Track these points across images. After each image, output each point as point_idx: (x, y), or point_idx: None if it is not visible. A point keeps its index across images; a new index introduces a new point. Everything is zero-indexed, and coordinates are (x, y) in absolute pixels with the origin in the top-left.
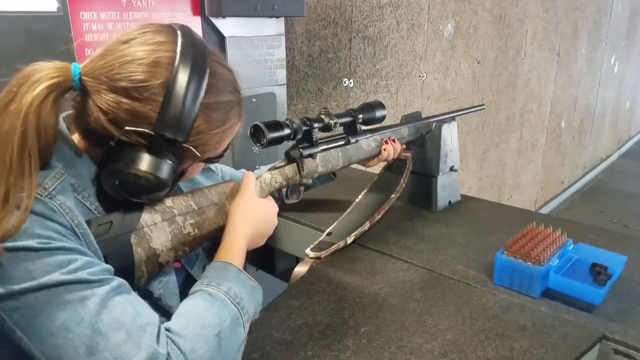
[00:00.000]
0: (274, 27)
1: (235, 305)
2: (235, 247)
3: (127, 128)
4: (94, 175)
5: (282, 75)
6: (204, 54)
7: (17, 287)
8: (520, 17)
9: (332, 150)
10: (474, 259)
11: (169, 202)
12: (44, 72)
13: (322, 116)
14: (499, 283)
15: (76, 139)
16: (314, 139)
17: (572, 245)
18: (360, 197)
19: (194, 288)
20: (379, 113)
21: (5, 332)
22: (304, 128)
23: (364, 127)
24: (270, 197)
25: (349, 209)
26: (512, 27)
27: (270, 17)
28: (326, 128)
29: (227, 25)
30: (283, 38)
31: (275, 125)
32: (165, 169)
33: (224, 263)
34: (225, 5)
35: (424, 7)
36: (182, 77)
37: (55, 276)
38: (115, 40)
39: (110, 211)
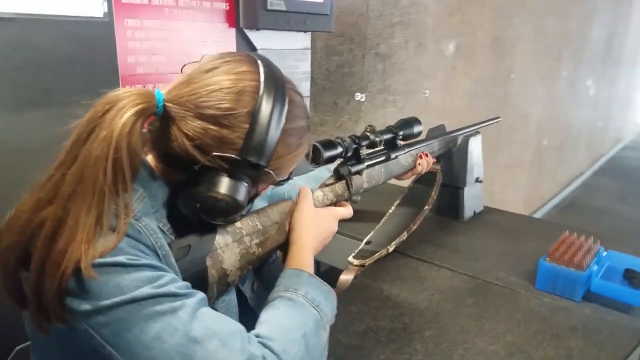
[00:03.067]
0: (302, 41)
1: (315, 308)
2: (303, 255)
3: (214, 154)
4: (167, 198)
5: (306, 87)
6: (283, 83)
7: (107, 302)
8: (513, 39)
9: (375, 166)
10: (511, 267)
11: (238, 223)
12: (129, 98)
13: (368, 133)
14: (541, 288)
15: (150, 161)
16: (361, 156)
17: (605, 252)
18: (393, 208)
19: (271, 296)
20: (416, 129)
21: (94, 348)
22: (354, 146)
23: (402, 143)
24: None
25: (383, 219)
26: (505, 49)
27: (300, 31)
28: (372, 145)
29: (260, 38)
30: (309, 52)
31: (330, 145)
32: (243, 192)
33: (295, 270)
34: (262, 19)
35: (430, 27)
36: (267, 105)
37: (146, 289)
38: (197, 69)
39: (181, 233)
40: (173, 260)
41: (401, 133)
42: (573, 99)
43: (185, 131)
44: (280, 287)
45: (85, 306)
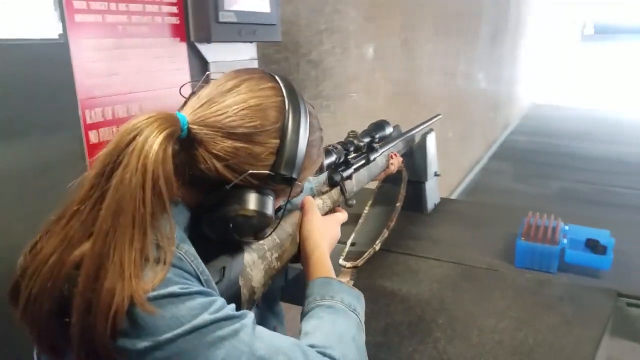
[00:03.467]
0: (249, 51)
1: (353, 312)
2: (324, 263)
3: (251, 172)
4: (187, 222)
5: None
6: (302, 96)
7: (167, 335)
8: (419, 41)
9: (360, 169)
10: (486, 250)
11: None
12: (155, 123)
13: (352, 139)
14: (521, 265)
15: None
16: (350, 162)
17: (566, 227)
18: (367, 208)
19: (307, 307)
20: (388, 130)
21: None
22: (344, 152)
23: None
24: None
25: (360, 220)
26: (414, 51)
27: (250, 42)
28: (356, 149)
29: (210, 50)
30: (256, 62)
31: (327, 153)
32: (270, 206)
33: (324, 279)
34: (215, 31)
35: (352, 33)
36: (294, 120)
37: (205, 316)
38: (216, 89)
39: (203, 256)
40: (214, 284)
41: (377, 135)
42: (469, 92)
43: (216, 152)
44: (316, 297)
45: (143, 344)
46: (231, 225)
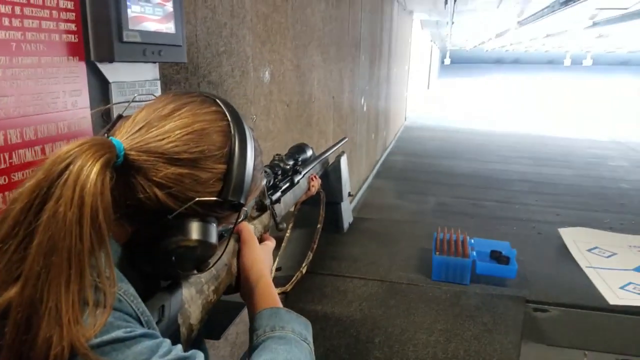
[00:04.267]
0: (151, 72)
1: (304, 341)
2: (270, 292)
3: (198, 199)
4: (119, 257)
5: None
6: (244, 120)
7: None
8: (309, 66)
9: (287, 192)
10: (404, 266)
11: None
12: (89, 151)
13: (277, 162)
14: (437, 279)
15: None
16: (278, 185)
17: (472, 240)
18: (288, 232)
19: (258, 340)
20: (309, 152)
21: None
22: (273, 175)
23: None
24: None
25: (283, 244)
26: (305, 75)
27: (155, 62)
28: (284, 172)
29: (111, 70)
30: (159, 82)
31: None
32: (215, 234)
33: (272, 309)
34: (118, 51)
35: (249, 56)
36: (240, 144)
37: None
38: (152, 113)
39: (140, 294)
40: (155, 324)
41: (300, 158)
42: (354, 115)
43: (157, 179)
44: (266, 329)
45: None
46: (173, 258)
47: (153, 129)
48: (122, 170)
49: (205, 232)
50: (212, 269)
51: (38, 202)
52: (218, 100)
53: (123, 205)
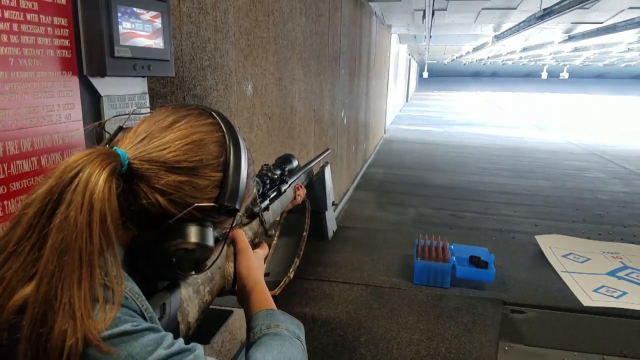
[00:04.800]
0: (140, 86)
1: (297, 339)
2: (266, 296)
3: (197, 205)
4: (122, 260)
5: None
6: (237, 131)
7: None
8: (290, 79)
9: (275, 200)
10: (387, 271)
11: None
12: (97, 160)
13: (266, 172)
14: (419, 283)
15: None
16: (266, 193)
17: (452, 246)
18: (275, 239)
19: (254, 337)
20: (295, 163)
21: None
22: (262, 184)
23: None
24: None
25: (271, 251)
26: (287, 88)
27: (144, 76)
28: (272, 182)
29: (103, 84)
30: (147, 96)
31: None
32: (211, 237)
33: (267, 310)
34: (110, 66)
35: (233, 70)
36: (235, 153)
37: (160, 351)
38: (152, 125)
39: (143, 293)
40: (157, 320)
41: (286, 168)
42: (335, 128)
43: (159, 187)
44: (262, 327)
45: None
46: (174, 259)
47: (155, 140)
48: (127, 178)
49: (203, 235)
50: (207, 271)
51: (50, 207)
52: (214, 113)
53: (127, 211)
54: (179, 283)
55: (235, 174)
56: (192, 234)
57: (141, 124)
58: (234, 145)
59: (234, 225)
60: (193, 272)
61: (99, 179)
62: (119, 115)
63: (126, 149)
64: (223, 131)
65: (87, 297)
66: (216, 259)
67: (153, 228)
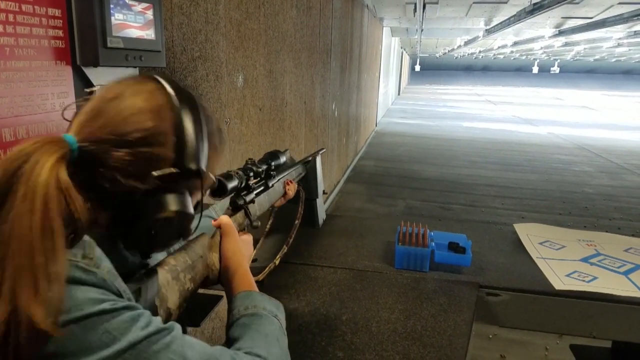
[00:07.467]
0: None
1: (275, 318)
2: (247, 279)
3: (154, 173)
4: (101, 241)
5: None
6: (187, 90)
7: (103, 353)
8: (281, 72)
9: (261, 194)
10: (370, 256)
11: (172, 260)
12: (43, 148)
13: (250, 166)
14: (399, 267)
15: None
16: (251, 187)
17: (432, 233)
18: (268, 226)
19: (232, 318)
20: (282, 159)
21: None
22: (245, 177)
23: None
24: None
25: (261, 238)
26: (278, 80)
27: (136, 67)
28: (255, 176)
29: (96, 74)
30: None
31: (230, 177)
32: (189, 202)
33: (246, 292)
34: (103, 56)
35: (223, 61)
36: (187, 114)
37: (138, 332)
38: (97, 101)
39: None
40: (135, 303)
41: (273, 163)
42: (325, 120)
43: (113, 164)
44: (240, 308)
45: None
46: (153, 232)
47: (102, 116)
48: (82, 162)
49: (178, 202)
50: (187, 259)
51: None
52: (157, 77)
53: (93, 195)
54: (156, 269)
55: (189, 134)
56: (169, 202)
57: (88, 103)
58: (182, 106)
59: (204, 187)
60: (178, 240)
61: (43, 167)
62: (86, 98)
63: (74, 132)
64: (169, 94)
65: (40, 279)
66: (199, 223)
67: (125, 206)
